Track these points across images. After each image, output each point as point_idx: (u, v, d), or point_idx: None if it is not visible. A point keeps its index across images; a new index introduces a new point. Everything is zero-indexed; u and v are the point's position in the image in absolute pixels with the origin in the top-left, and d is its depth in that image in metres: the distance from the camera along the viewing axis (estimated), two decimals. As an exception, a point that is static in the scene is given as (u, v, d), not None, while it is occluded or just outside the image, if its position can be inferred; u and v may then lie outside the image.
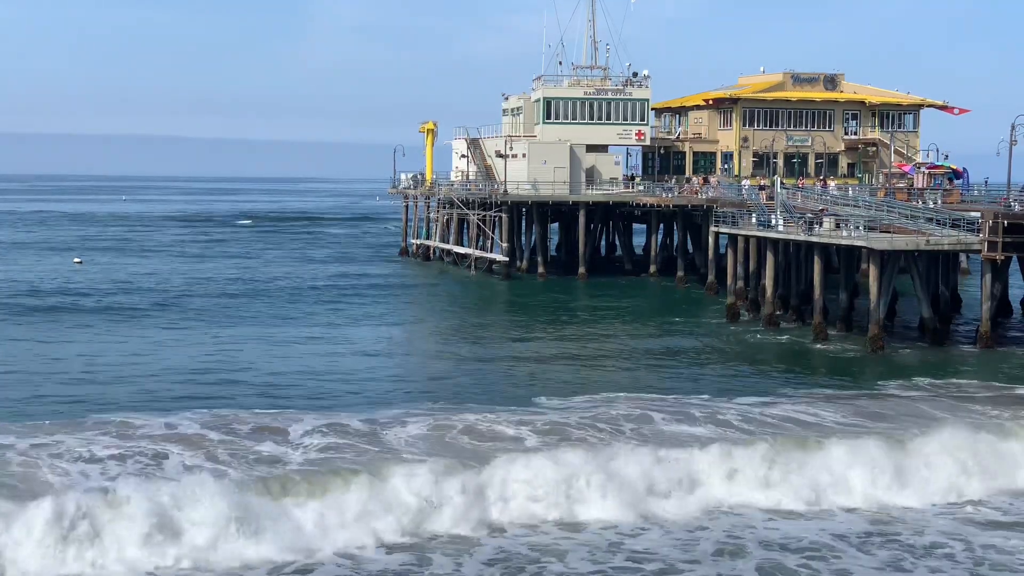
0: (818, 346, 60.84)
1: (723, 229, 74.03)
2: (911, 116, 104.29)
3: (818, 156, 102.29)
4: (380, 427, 41.07)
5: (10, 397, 46.67)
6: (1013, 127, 71.20)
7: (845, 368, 55.48)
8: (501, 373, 53.69)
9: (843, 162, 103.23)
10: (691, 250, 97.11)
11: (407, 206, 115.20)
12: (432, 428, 40.97)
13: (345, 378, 52.09)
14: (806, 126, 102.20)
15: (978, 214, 59.57)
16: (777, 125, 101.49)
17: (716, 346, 62.16)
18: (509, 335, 65.10)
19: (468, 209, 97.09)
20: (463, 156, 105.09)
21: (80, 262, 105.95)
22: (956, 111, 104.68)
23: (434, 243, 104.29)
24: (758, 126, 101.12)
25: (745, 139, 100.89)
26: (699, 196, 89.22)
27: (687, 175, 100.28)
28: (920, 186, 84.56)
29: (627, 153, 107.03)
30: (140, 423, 41.21)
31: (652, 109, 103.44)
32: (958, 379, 52.15)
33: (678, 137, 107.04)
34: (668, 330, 67.60)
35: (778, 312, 67.15)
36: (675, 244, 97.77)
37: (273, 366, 54.25)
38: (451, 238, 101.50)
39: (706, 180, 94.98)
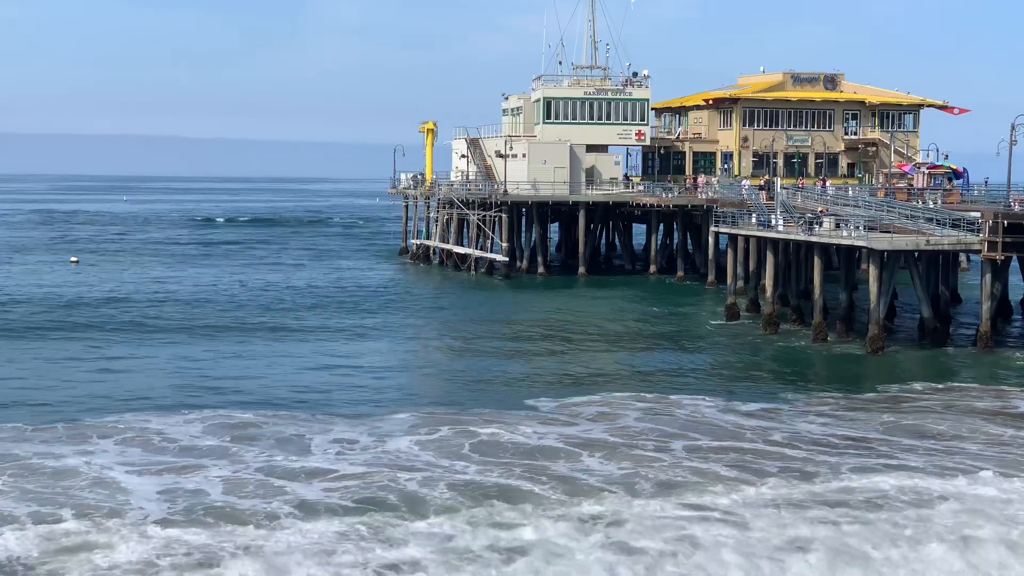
0: (818, 347, 60.77)
1: (723, 229, 74.01)
2: (911, 116, 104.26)
3: (818, 156, 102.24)
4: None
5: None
6: (1013, 127, 71.16)
7: (846, 371, 55.36)
8: (508, 377, 53.38)
9: (843, 162, 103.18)
10: (691, 250, 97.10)
11: (407, 206, 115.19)
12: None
13: (361, 384, 52.14)
14: (806, 126, 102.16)
15: (978, 214, 59.55)
16: (777, 125, 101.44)
17: (717, 347, 62.12)
18: (512, 337, 64.91)
19: (468, 209, 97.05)
20: (463, 156, 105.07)
21: (76, 261, 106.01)
22: (956, 111, 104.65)
23: (434, 243, 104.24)
24: (758, 126, 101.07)
25: (745, 139, 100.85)
26: (699, 196, 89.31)
27: (687, 175, 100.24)
28: (920, 186, 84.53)
29: (627, 153, 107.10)
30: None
31: (652, 109, 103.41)
32: (958, 383, 52.00)
33: (678, 137, 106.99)
34: (669, 331, 67.50)
35: (778, 306, 67.09)
36: (675, 244, 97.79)
37: (277, 373, 54.18)
38: (451, 238, 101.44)
39: (695, 180, 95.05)
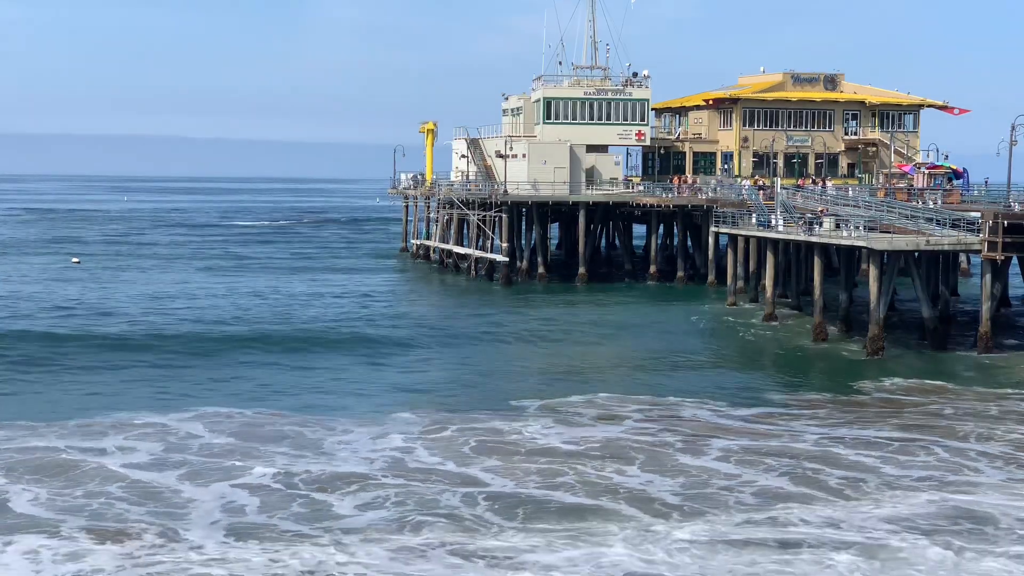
0: (818, 347, 60.70)
1: (723, 229, 74.01)
2: (911, 116, 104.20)
3: (818, 156, 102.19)
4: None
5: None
6: (1013, 127, 71.17)
7: (846, 372, 55.25)
8: (515, 380, 53.49)
9: (843, 162, 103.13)
10: (691, 250, 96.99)
11: (407, 206, 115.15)
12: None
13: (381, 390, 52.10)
14: (806, 126, 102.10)
15: (978, 214, 59.54)
16: (777, 125, 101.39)
17: (717, 349, 62.10)
18: (512, 341, 64.72)
19: (468, 209, 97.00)
20: (463, 156, 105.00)
21: (78, 261, 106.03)
22: (956, 111, 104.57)
23: (434, 243, 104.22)
24: (758, 126, 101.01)
25: (745, 139, 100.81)
26: (699, 196, 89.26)
27: (687, 175, 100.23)
28: (920, 186, 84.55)
29: (627, 153, 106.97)
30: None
31: (652, 109, 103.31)
32: (961, 384, 51.85)
33: (678, 137, 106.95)
34: (670, 333, 67.28)
35: (778, 306, 67.09)
36: (675, 244, 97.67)
37: (278, 374, 54.27)
38: (451, 238, 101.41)
39: (680, 181, 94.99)
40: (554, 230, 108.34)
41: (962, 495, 35.05)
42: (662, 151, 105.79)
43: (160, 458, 38.24)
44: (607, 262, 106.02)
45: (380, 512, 33.15)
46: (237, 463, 37.66)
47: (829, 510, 33.51)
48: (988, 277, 58.25)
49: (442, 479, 36.26)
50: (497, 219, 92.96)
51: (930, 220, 61.33)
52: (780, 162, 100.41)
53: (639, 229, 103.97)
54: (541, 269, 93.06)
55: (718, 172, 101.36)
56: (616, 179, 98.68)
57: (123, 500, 33.90)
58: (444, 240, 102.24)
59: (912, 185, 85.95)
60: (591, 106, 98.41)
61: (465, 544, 30.48)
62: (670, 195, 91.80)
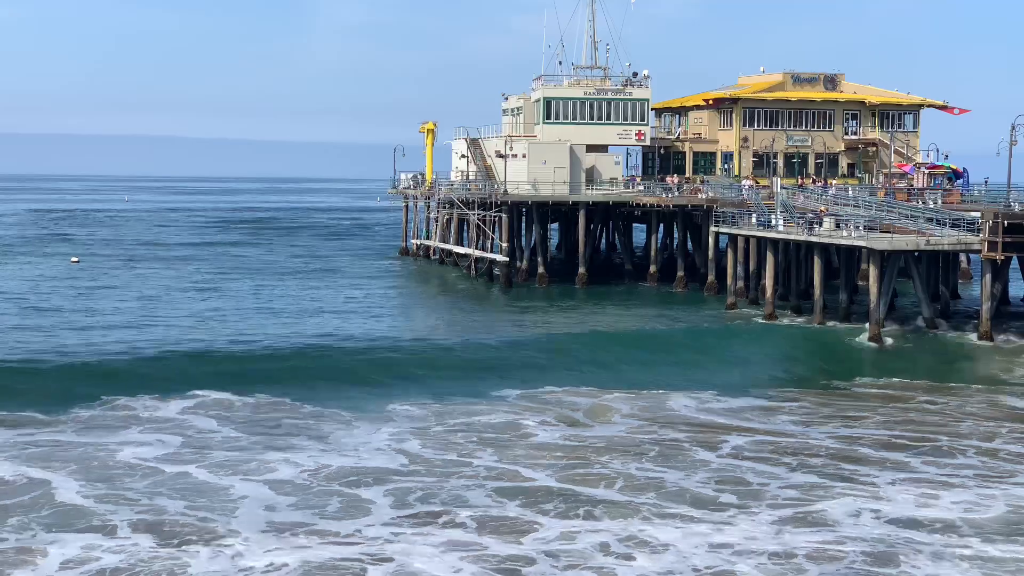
0: (818, 347, 60.62)
1: (723, 229, 74.01)
2: (911, 116, 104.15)
3: (818, 156, 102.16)
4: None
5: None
6: (1013, 127, 71.20)
7: (847, 371, 55.22)
8: (514, 380, 53.46)
9: (843, 162, 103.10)
10: (691, 250, 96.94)
11: (407, 206, 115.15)
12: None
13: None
14: (806, 126, 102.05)
15: (978, 214, 59.58)
16: (777, 125, 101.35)
17: (717, 349, 61.96)
18: (511, 343, 64.58)
19: (468, 209, 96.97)
20: (463, 156, 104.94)
21: (77, 260, 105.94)
22: (956, 111, 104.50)
23: (434, 243, 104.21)
24: (758, 126, 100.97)
25: (745, 139, 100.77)
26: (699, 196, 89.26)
27: (686, 175, 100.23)
28: (920, 186, 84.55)
29: (627, 153, 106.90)
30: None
31: (652, 109, 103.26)
32: (958, 383, 51.89)
33: (678, 137, 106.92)
34: (670, 334, 67.00)
35: (777, 304, 67.04)
36: (675, 244, 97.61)
37: (277, 372, 54.29)
38: (451, 238, 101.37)
39: (664, 179, 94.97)
40: (554, 230, 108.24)
41: (993, 490, 35.39)
42: (662, 151, 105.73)
43: (175, 453, 38.68)
44: (607, 262, 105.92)
45: (413, 508, 33.42)
46: (255, 457, 38.08)
47: (872, 504, 33.67)
48: (988, 277, 58.27)
49: (455, 475, 36.42)
50: (497, 219, 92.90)
51: (930, 220, 61.35)
52: (780, 162, 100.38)
53: (640, 229, 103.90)
54: (541, 269, 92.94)
55: (718, 172, 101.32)
56: (616, 179, 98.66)
57: (150, 493, 34.20)
58: (444, 240, 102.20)
59: (912, 185, 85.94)
60: (591, 106, 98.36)
61: (525, 544, 30.51)
62: (670, 195, 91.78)
